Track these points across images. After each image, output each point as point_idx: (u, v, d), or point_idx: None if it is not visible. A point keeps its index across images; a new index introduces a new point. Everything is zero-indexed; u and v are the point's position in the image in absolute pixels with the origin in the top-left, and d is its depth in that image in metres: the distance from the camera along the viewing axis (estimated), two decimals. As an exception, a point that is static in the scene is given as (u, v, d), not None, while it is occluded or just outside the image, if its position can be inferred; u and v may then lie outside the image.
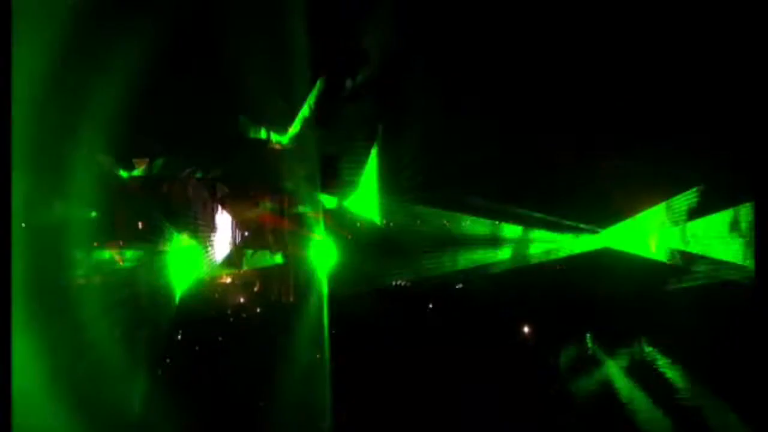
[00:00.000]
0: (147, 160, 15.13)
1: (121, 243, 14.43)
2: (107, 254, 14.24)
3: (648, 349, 12.37)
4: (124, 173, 15.03)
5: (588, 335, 12.96)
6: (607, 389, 10.97)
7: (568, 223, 15.16)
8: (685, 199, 14.18)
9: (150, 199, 15.03)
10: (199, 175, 15.32)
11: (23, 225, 12.77)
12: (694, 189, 13.99)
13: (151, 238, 14.66)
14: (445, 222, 15.30)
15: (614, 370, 11.74)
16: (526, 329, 12.21)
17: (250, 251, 15.73)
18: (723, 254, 13.55)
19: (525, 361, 10.91)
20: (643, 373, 11.57)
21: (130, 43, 12.69)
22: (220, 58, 13.46)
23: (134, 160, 15.03)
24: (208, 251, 15.32)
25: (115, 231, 14.42)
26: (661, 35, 12.26)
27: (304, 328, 12.26)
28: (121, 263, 14.28)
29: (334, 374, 10.25)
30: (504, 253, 15.44)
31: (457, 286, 15.22)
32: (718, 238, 13.64)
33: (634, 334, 12.71)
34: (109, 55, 12.71)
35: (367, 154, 15.29)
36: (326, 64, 14.28)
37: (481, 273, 15.13)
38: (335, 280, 15.10)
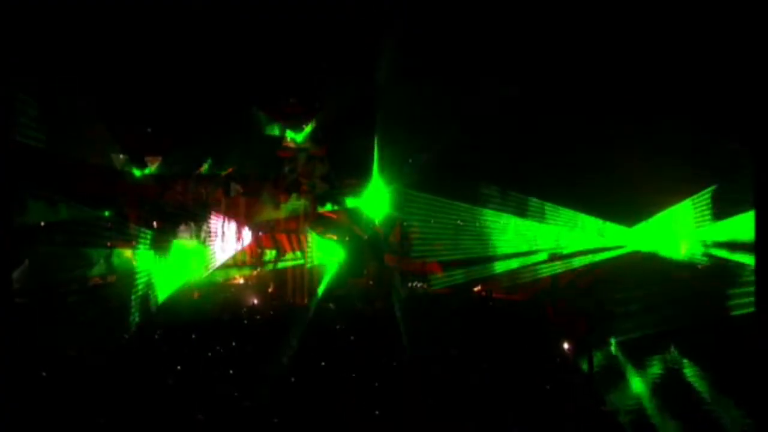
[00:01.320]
0: (160, 157, 15.08)
1: (133, 243, 14.38)
2: (121, 253, 14.19)
3: (676, 354, 11.96)
4: (137, 171, 14.94)
5: (613, 340, 12.56)
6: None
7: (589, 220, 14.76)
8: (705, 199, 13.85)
9: (163, 197, 15.02)
10: (209, 171, 15.22)
11: (42, 224, 13.20)
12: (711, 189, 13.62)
13: (164, 237, 14.64)
14: (459, 222, 14.96)
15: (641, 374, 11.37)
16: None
17: (266, 251, 15.60)
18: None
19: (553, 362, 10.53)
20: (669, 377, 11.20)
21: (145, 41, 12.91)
22: (234, 55, 13.41)
23: (147, 158, 14.96)
24: (219, 250, 15.20)
25: (129, 230, 14.43)
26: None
27: (317, 329, 12.01)
28: (134, 262, 14.20)
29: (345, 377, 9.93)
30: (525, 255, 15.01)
31: (474, 289, 14.85)
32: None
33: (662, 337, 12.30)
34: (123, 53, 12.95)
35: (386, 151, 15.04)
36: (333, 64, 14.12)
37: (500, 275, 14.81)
38: (348, 281, 15.01)
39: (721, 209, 13.46)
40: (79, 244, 13.36)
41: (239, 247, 15.52)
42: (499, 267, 14.72)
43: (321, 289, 14.83)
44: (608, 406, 9.13)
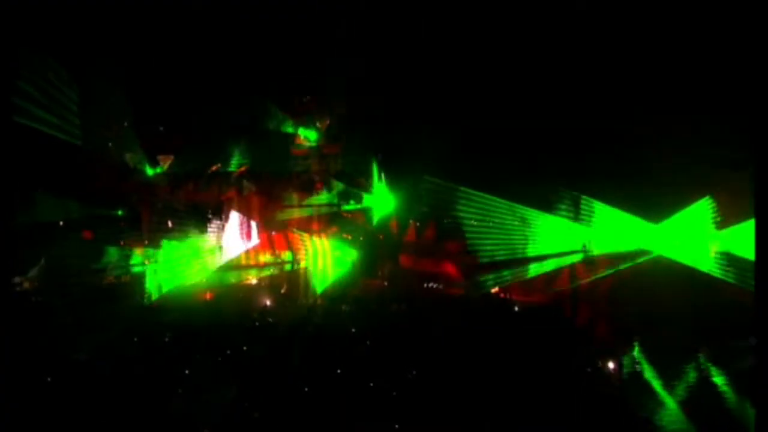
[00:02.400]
0: (173, 156, 14.94)
1: (146, 242, 14.25)
2: (133, 253, 14.07)
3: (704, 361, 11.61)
4: (149, 170, 14.81)
5: (636, 344, 12.24)
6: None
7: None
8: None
9: (175, 196, 14.91)
10: (222, 170, 15.03)
11: (61, 224, 13.11)
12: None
13: (176, 236, 14.50)
14: (472, 222, 14.64)
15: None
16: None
17: (279, 251, 15.38)
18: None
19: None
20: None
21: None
22: (247, 53, 13.24)
23: (159, 157, 14.83)
24: (232, 250, 15.01)
25: (141, 229, 14.29)
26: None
27: (330, 333, 11.81)
28: (146, 262, 14.09)
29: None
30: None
31: (492, 291, 14.50)
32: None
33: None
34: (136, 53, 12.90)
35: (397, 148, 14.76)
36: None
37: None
38: (363, 282, 14.83)
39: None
40: (92, 243, 13.30)
41: (252, 247, 15.30)
42: (533, 269, 14.21)
43: (334, 291, 14.55)
44: (648, 417, 8.88)
